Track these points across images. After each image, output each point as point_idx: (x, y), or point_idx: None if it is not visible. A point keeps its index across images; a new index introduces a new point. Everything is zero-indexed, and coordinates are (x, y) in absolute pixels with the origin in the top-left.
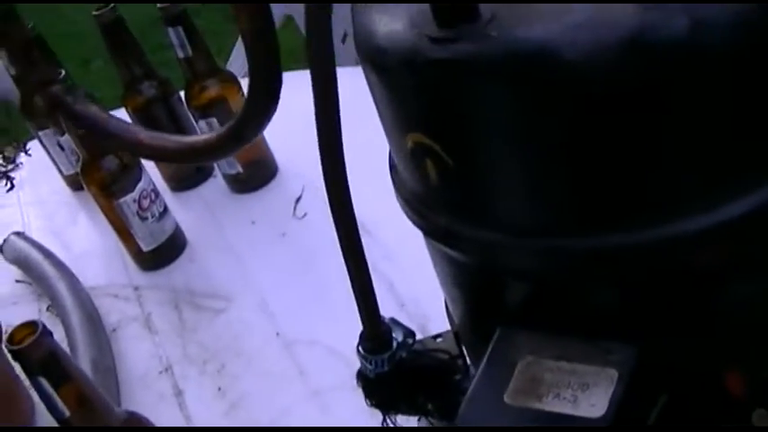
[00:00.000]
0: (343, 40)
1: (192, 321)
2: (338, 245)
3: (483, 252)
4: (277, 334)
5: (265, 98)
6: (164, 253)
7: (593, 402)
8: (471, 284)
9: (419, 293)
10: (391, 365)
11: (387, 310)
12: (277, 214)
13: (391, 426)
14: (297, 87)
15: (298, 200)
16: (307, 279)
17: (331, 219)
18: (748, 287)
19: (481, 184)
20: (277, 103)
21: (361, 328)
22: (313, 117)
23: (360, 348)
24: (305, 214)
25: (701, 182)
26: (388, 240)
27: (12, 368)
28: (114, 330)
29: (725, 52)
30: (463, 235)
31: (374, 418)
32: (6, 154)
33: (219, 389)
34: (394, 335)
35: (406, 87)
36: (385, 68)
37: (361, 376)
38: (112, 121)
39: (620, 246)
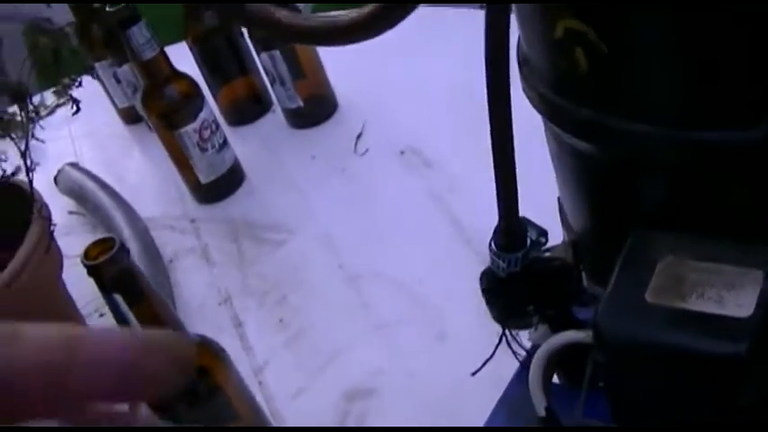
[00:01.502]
0: None
1: (251, 253)
2: (400, 181)
3: (627, 144)
4: (339, 266)
5: None
6: (222, 185)
7: (740, 302)
8: (605, 183)
9: (486, 227)
10: (522, 265)
11: (452, 244)
12: (337, 150)
13: (509, 338)
14: None
15: (359, 136)
16: (369, 213)
17: (392, 156)
18: None
19: (634, 71)
20: None
21: (425, 258)
22: (374, 54)
23: (493, 245)
24: (366, 150)
25: None
26: (453, 173)
27: (72, 302)
28: (171, 261)
29: None
30: (608, 126)
31: (435, 351)
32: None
33: (281, 320)
34: (528, 233)
35: None
36: None
37: (487, 278)
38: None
39: None
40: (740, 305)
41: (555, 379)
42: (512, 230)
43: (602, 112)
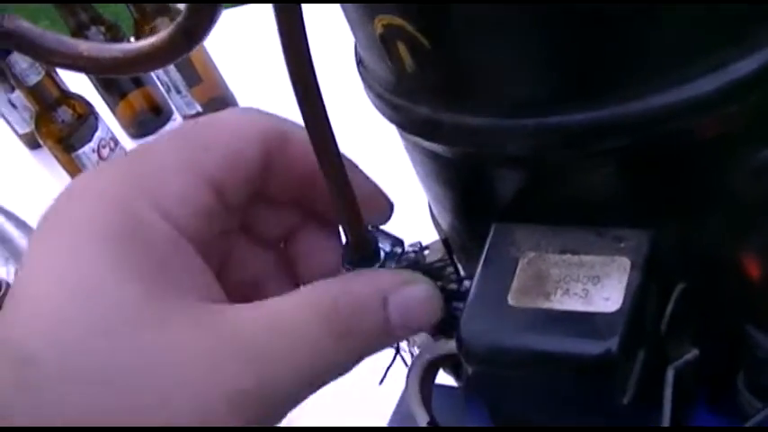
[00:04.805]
0: None
1: None
2: None
3: (470, 139)
4: None
5: None
6: None
7: (607, 296)
8: (459, 180)
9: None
10: None
11: None
12: None
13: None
14: (251, 22)
15: None
16: None
17: None
18: (761, 154)
19: (460, 64)
20: None
21: None
22: (270, 51)
23: (345, 263)
24: None
25: (704, 41)
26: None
27: None
28: None
29: None
30: (447, 123)
31: None
32: None
33: None
34: (381, 245)
35: None
36: None
37: None
38: (48, 36)
39: (624, 115)
40: (607, 298)
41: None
42: (361, 245)
43: (438, 109)
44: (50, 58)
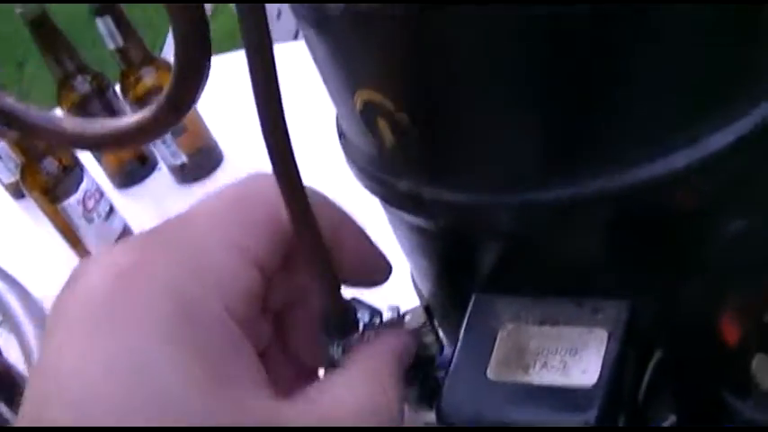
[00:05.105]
0: (278, 17)
1: None
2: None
3: (450, 214)
4: None
5: (199, 53)
6: None
7: (584, 368)
8: (440, 252)
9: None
10: None
11: None
12: None
13: None
14: (235, 70)
15: None
16: None
17: None
18: (741, 223)
19: (442, 140)
20: (210, 60)
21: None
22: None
23: (324, 333)
24: None
25: (681, 116)
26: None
27: None
28: None
29: None
30: (429, 198)
31: None
32: None
33: None
34: (359, 315)
35: (353, 35)
36: (327, 18)
37: (329, 366)
38: (33, 112)
39: (604, 191)
40: (584, 371)
41: None
42: (339, 316)
43: (420, 184)
44: (36, 133)
